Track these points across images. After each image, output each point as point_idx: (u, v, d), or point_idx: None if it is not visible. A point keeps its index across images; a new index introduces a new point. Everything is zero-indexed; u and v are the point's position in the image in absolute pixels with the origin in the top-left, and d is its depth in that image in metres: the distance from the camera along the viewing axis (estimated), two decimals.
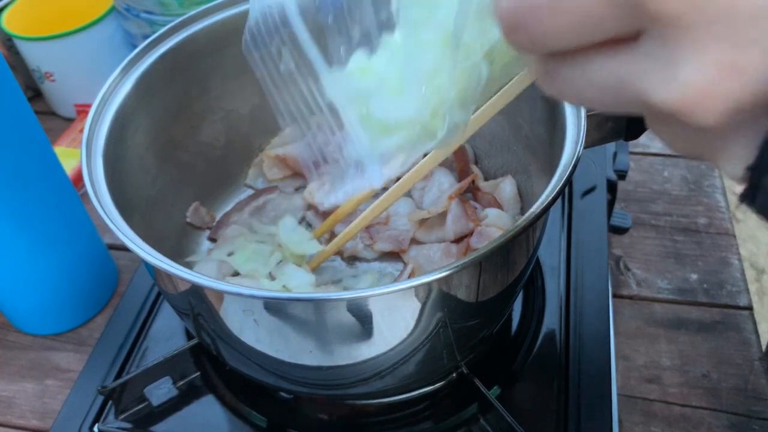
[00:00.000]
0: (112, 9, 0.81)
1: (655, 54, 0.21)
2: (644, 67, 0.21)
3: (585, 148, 0.44)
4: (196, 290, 0.42)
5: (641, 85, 0.21)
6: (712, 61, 0.20)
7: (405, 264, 0.57)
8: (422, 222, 0.57)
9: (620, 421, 0.54)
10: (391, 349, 0.43)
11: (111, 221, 0.42)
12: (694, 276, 0.65)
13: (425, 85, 0.32)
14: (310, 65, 0.35)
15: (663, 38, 0.20)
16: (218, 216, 0.63)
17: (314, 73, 0.35)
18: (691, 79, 0.20)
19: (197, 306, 0.44)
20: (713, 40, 0.19)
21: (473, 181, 0.60)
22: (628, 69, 0.21)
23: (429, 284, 0.39)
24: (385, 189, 0.53)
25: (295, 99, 0.39)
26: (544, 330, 0.57)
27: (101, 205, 0.43)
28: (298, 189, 0.62)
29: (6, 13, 0.84)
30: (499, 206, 0.57)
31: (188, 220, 0.60)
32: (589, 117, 0.44)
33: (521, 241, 0.44)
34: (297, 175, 0.64)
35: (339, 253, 0.58)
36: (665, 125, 0.23)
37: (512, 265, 0.46)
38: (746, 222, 1.71)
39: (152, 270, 0.46)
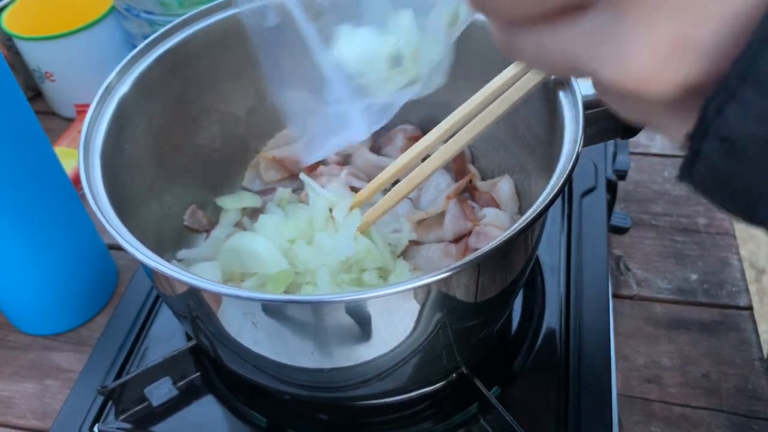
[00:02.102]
0: (112, 9, 0.81)
1: (602, 28, 0.20)
2: (592, 40, 0.20)
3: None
4: (194, 292, 0.42)
5: (589, 60, 0.21)
6: (661, 38, 0.19)
7: None
8: (420, 222, 0.57)
9: (620, 421, 0.54)
10: (391, 351, 0.43)
11: (108, 222, 0.42)
12: (694, 276, 0.65)
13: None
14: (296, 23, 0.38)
15: (611, 11, 0.19)
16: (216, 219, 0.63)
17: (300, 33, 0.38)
18: (638, 58, 0.19)
19: (195, 308, 0.44)
20: (663, 15, 0.18)
21: (471, 181, 0.60)
22: (576, 41, 0.21)
23: (428, 286, 0.39)
24: (385, 190, 0.53)
25: (284, 58, 0.40)
26: (544, 330, 0.57)
27: (98, 206, 0.43)
28: (296, 191, 0.62)
29: (6, 13, 0.84)
30: (497, 206, 0.57)
31: (186, 223, 0.60)
32: (585, 115, 0.44)
33: (520, 242, 0.44)
34: (294, 177, 0.64)
35: None
36: (613, 96, 0.23)
37: (511, 266, 0.46)
38: None
39: (150, 272, 0.46)
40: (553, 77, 0.46)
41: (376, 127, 0.39)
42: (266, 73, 0.41)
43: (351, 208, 0.52)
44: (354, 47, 0.36)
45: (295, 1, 0.38)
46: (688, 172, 0.21)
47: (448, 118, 0.50)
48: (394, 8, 0.36)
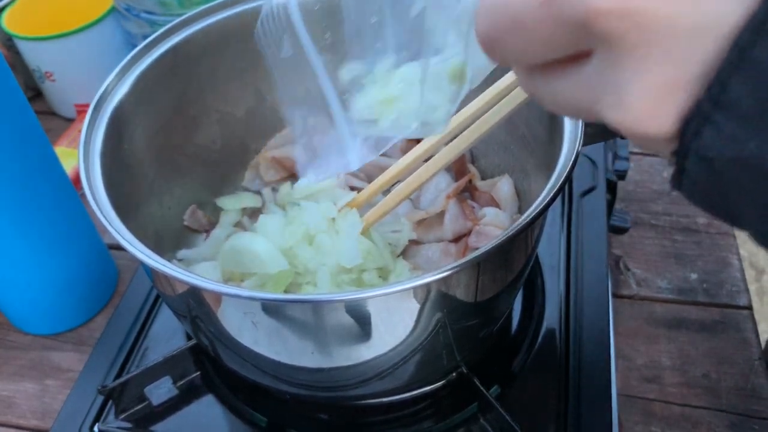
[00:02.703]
0: (112, 9, 0.81)
1: (603, 75, 0.22)
2: (595, 88, 0.23)
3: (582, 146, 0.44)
4: (194, 292, 0.42)
5: (595, 106, 0.23)
6: (653, 83, 0.21)
7: None
8: (420, 222, 0.57)
9: (620, 421, 0.54)
10: (391, 350, 0.43)
11: (108, 222, 0.42)
12: (694, 276, 0.65)
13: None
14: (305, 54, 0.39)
15: (609, 59, 0.22)
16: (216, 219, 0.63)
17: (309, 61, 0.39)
18: (637, 103, 0.21)
19: (195, 308, 0.44)
20: (655, 61, 0.20)
21: (470, 181, 0.60)
22: (582, 89, 0.23)
23: (428, 285, 0.39)
24: (385, 191, 0.53)
25: (294, 84, 0.42)
26: (544, 330, 0.57)
27: (98, 206, 0.43)
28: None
29: (6, 13, 0.84)
30: (497, 205, 0.57)
31: (186, 223, 0.60)
32: None
33: (520, 241, 0.44)
34: (293, 177, 0.64)
35: None
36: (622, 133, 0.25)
37: (511, 265, 0.46)
38: None
39: (150, 272, 0.46)
40: None
41: (368, 160, 0.41)
42: (278, 89, 0.43)
43: (350, 207, 0.52)
44: (362, 99, 0.38)
45: (305, 36, 0.40)
46: (677, 184, 0.23)
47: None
48: (398, 58, 0.37)
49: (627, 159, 0.70)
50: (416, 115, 0.36)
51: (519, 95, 0.47)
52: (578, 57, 0.23)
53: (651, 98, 0.21)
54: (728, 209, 0.22)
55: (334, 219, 0.52)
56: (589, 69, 0.23)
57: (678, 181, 0.22)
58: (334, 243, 0.49)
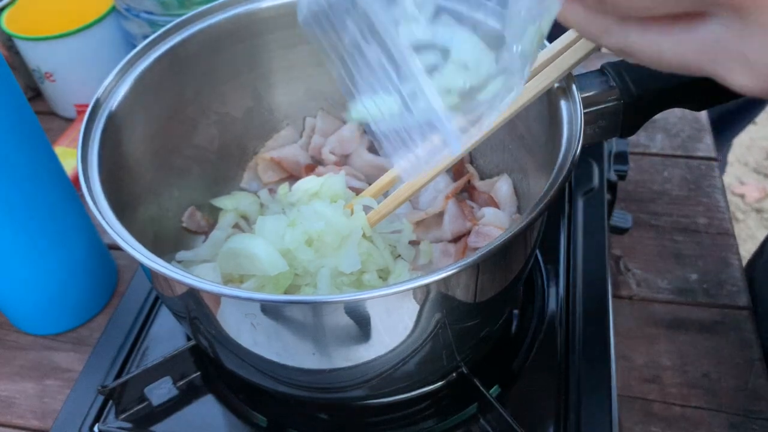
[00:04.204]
0: (112, 9, 0.81)
1: (726, 39, 0.24)
2: (713, 49, 0.24)
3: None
4: (193, 293, 0.42)
5: (714, 67, 0.25)
6: None
7: None
8: (419, 222, 0.57)
9: (620, 421, 0.54)
10: (391, 351, 0.43)
11: (107, 223, 0.42)
12: (694, 276, 0.65)
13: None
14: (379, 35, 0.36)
15: (734, 26, 0.23)
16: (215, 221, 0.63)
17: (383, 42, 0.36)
18: (764, 70, 0.23)
19: (195, 309, 0.44)
20: None
21: (469, 181, 0.60)
22: (695, 47, 0.25)
23: (427, 286, 0.39)
24: (386, 194, 0.53)
25: (363, 70, 0.38)
26: (544, 330, 0.57)
27: (97, 206, 0.43)
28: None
29: (6, 13, 0.84)
30: (496, 205, 0.57)
31: (184, 224, 0.60)
32: (584, 114, 0.44)
33: (520, 242, 0.44)
34: (292, 178, 0.64)
35: None
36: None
37: (511, 266, 0.46)
38: (746, 222, 1.71)
39: (149, 272, 0.46)
40: (556, 84, 0.46)
41: (472, 141, 0.39)
42: (340, 83, 0.40)
43: (350, 207, 0.52)
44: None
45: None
46: None
47: None
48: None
49: (627, 159, 0.70)
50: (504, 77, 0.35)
51: (520, 97, 0.47)
52: (692, 16, 0.24)
53: None
54: None
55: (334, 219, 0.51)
56: (707, 30, 0.24)
57: None
58: (334, 246, 0.49)
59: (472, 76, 0.35)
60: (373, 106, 0.37)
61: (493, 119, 0.37)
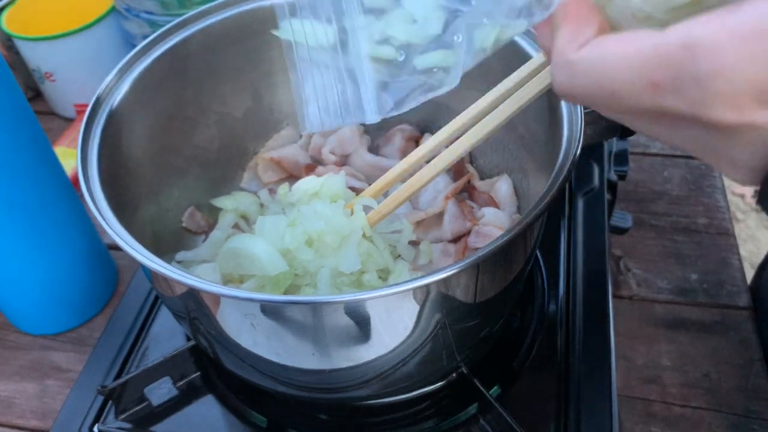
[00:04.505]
0: (112, 9, 0.81)
1: (715, 145, 0.26)
2: (707, 147, 0.27)
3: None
4: (193, 293, 0.42)
5: (704, 158, 0.28)
6: (751, 163, 0.26)
7: None
8: (419, 222, 0.57)
9: (620, 421, 0.54)
10: (391, 351, 0.43)
11: (106, 223, 0.42)
12: (694, 276, 0.65)
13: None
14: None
15: (721, 140, 0.26)
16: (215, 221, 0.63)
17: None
18: (737, 174, 0.27)
19: (194, 310, 0.44)
20: (747, 144, 0.25)
21: (469, 181, 0.60)
22: (690, 142, 0.27)
23: (427, 286, 0.39)
24: (386, 194, 0.53)
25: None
26: (544, 330, 0.57)
27: (97, 207, 0.43)
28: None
29: (6, 13, 0.84)
30: (496, 205, 0.57)
31: (184, 224, 0.60)
32: (584, 115, 0.44)
33: (520, 242, 0.44)
34: (292, 178, 0.64)
35: None
36: None
37: (511, 266, 0.46)
38: (746, 222, 1.71)
39: (149, 272, 0.46)
40: None
41: (389, 114, 0.38)
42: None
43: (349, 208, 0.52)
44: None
45: None
46: (760, 205, 0.27)
47: (451, 123, 0.50)
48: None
49: (627, 159, 0.70)
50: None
51: (521, 98, 0.47)
52: (676, 118, 0.26)
53: (750, 172, 0.26)
54: None
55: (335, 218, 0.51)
56: (693, 131, 0.26)
57: (761, 203, 0.27)
58: (334, 246, 0.49)
59: (416, 32, 0.35)
60: (303, 29, 0.37)
61: (411, 106, 0.37)
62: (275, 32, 0.40)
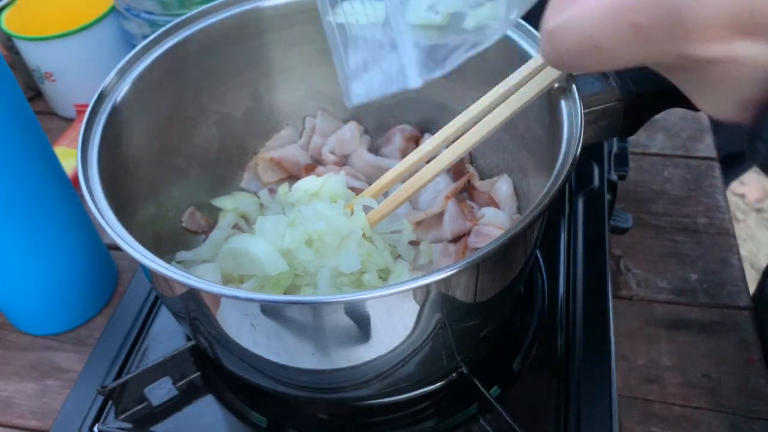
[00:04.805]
0: (112, 9, 0.81)
1: (694, 77, 0.28)
2: (685, 78, 0.29)
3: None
4: (193, 294, 0.42)
5: (682, 85, 0.30)
6: (732, 104, 0.27)
7: None
8: (419, 222, 0.57)
9: (620, 421, 0.54)
10: (391, 351, 0.43)
11: (106, 223, 0.42)
12: (694, 276, 0.65)
13: None
14: None
15: (701, 73, 0.27)
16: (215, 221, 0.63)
17: None
18: (724, 107, 0.28)
19: (194, 310, 0.44)
20: (728, 90, 0.27)
21: (469, 181, 0.60)
22: (678, 79, 0.29)
23: (427, 286, 0.39)
24: (386, 194, 0.53)
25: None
26: (544, 330, 0.57)
27: (97, 207, 0.43)
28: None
29: (6, 13, 0.84)
30: (496, 205, 0.57)
31: (184, 224, 0.60)
32: (585, 114, 0.44)
33: (520, 242, 0.44)
34: (292, 178, 0.64)
35: None
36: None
37: (511, 266, 0.45)
38: (746, 222, 1.71)
39: (148, 272, 0.46)
40: (557, 84, 0.46)
41: (432, 76, 0.38)
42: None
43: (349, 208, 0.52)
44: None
45: None
46: (751, 156, 0.28)
47: (451, 123, 0.50)
48: None
49: (627, 159, 0.70)
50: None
51: (521, 98, 0.47)
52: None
53: (737, 106, 0.27)
54: None
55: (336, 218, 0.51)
56: (689, 76, 0.28)
57: (752, 154, 0.28)
58: (334, 246, 0.49)
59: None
60: (354, 10, 0.38)
61: (453, 66, 0.37)
62: (328, 18, 0.40)
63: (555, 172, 0.42)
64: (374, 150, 0.65)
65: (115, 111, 0.50)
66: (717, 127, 0.80)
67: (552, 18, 0.29)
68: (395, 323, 0.41)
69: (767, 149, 0.27)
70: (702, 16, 0.24)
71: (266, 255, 0.48)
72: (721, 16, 0.24)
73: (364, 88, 0.39)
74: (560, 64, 0.30)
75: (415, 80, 0.38)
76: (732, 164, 1.31)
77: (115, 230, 0.42)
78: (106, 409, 0.55)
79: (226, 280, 0.52)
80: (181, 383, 0.55)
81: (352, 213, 0.51)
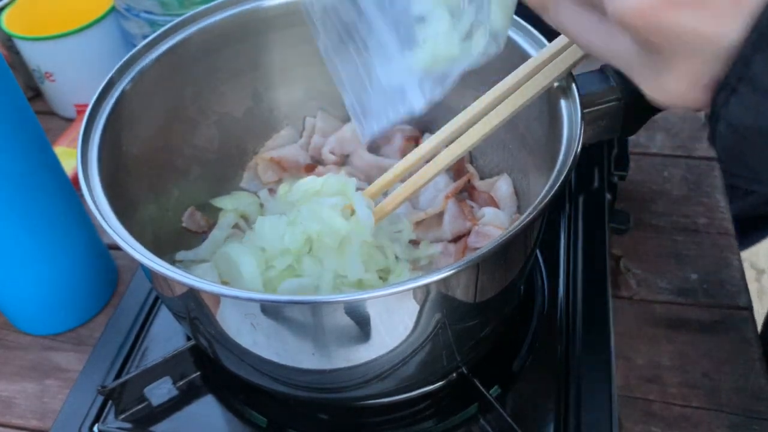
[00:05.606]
0: (112, 9, 0.81)
1: (639, 54, 0.27)
2: (630, 57, 0.28)
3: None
4: (193, 293, 0.42)
5: (632, 73, 0.29)
6: (683, 77, 0.26)
7: None
8: (419, 222, 0.57)
9: (620, 421, 0.54)
10: (391, 351, 0.43)
11: (106, 223, 0.42)
12: (694, 276, 0.65)
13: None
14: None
15: (645, 50, 0.26)
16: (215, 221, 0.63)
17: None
18: (669, 90, 0.27)
19: (194, 310, 0.44)
20: (682, 59, 0.25)
21: (469, 180, 0.60)
22: (615, 49, 0.28)
23: (427, 286, 0.39)
24: (386, 194, 0.53)
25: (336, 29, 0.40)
26: (544, 330, 0.57)
27: (97, 207, 0.43)
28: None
29: (6, 13, 0.84)
30: (496, 205, 0.57)
31: (184, 224, 0.60)
32: (584, 114, 0.44)
33: (520, 241, 0.44)
34: (292, 178, 0.64)
35: None
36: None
37: (511, 266, 0.46)
38: None
39: (148, 272, 0.46)
40: (556, 84, 0.46)
41: (434, 97, 0.39)
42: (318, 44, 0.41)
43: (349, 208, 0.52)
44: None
45: None
46: (711, 142, 0.27)
47: (451, 122, 0.50)
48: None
49: (627, 159, 0.70)
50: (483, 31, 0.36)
51: (521, 97, 0.47)
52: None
53: (681, 88, 0.26)
54: (751, 168, 0.27)
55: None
56: (626, 41, 0.27)
57: (712, 140, 0.27)
58: (333, 247, 0.49)
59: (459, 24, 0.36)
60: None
61: (456, 79, 0.38)
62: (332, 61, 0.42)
63: (555, 172, 0.42)
64: (374, 150, 0.65)
65: (115, 111, 0.50)
66: (732, 192, 0.75)
67: None
68: (395, 323, 0.41)
69: (727, 129, 0.26)
70: None
71: (249, 277, 0.48)
72: None
73: (372, 126, 0.41)
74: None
75: (419, 104, 0.39)
76: (747, 231, 1.19)
77: (115, 230, 0.42)
78: (106, 409, 0.55)
79: (222, 280, 0.52)
80: (181, 383, 0.56)
81: (351, 213, 0.51)
